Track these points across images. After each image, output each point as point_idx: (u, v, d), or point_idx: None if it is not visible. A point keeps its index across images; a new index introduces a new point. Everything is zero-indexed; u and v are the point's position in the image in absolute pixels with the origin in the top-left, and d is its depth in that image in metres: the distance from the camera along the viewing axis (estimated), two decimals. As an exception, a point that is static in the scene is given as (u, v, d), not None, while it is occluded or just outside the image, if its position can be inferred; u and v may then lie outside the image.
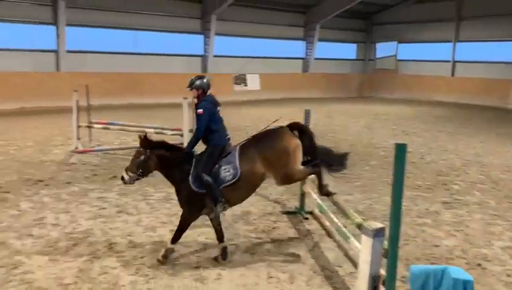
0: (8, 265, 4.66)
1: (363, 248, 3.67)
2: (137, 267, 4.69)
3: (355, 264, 4.62)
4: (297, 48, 28.71)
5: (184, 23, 24.10)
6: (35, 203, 6.66)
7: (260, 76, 26.27)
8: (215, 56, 24.86)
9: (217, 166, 4.68)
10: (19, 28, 19.87)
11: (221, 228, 4.95)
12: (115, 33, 22.06)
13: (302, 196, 6.41)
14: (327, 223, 5.76)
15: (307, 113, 6.18)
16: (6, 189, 7.35)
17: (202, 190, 4.60)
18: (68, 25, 20.24)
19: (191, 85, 4.91)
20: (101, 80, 19.54)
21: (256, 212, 6.53)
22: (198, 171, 4.59)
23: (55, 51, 20.54)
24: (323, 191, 4.85)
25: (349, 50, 31.62)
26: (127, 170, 4.70)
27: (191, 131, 9.70)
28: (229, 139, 4.96)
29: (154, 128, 10.45)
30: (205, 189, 4.59)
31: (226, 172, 4.60)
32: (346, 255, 5.09)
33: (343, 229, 4.71)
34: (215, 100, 4.93)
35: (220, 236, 4.93)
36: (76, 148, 10.27)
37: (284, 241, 5.53)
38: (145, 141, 4.67)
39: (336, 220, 5.00)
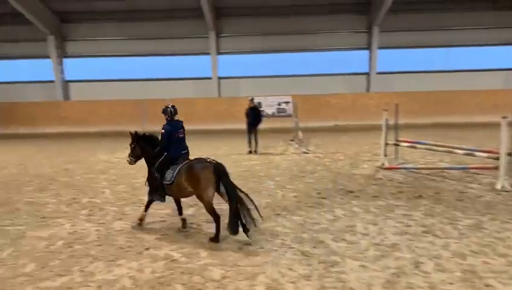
0: (326, 262, 5.32)
1: None
2: (445, 293, 4.50)
3: None
4: None
5: (501, 33, 21.70)
6: (347, 211, 7.36)
7: None
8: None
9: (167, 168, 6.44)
10: (335, 55, 22.64)
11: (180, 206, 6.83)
12: (425, 52, 22.05)
13: None
14: None
15: None
16: (323, 195, 8.44)
17: (154, 180, 6.55)
18: (380, 48, 21.56)
19: (163, 110, 6.63)
20: (408, 99, 19.81)
21: None
22: (153, 168, 6.49)
23: (367, 73, 22.24)
24: (214, 239, 6.06)
25: None
26: (128, 155, 6.84)
27: (509, 155, 8.64)
28: (186, 153, 6.63)
29: (463, 149, 9.85)
30: (155, 180, 6.50)
31: (169, 174, 6.32)
32: None
33: None
34: (177, 125, 6.60)
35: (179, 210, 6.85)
36: (382, 164, 10.76)
37: None
38: (134, 135, 6.75)
39: None
